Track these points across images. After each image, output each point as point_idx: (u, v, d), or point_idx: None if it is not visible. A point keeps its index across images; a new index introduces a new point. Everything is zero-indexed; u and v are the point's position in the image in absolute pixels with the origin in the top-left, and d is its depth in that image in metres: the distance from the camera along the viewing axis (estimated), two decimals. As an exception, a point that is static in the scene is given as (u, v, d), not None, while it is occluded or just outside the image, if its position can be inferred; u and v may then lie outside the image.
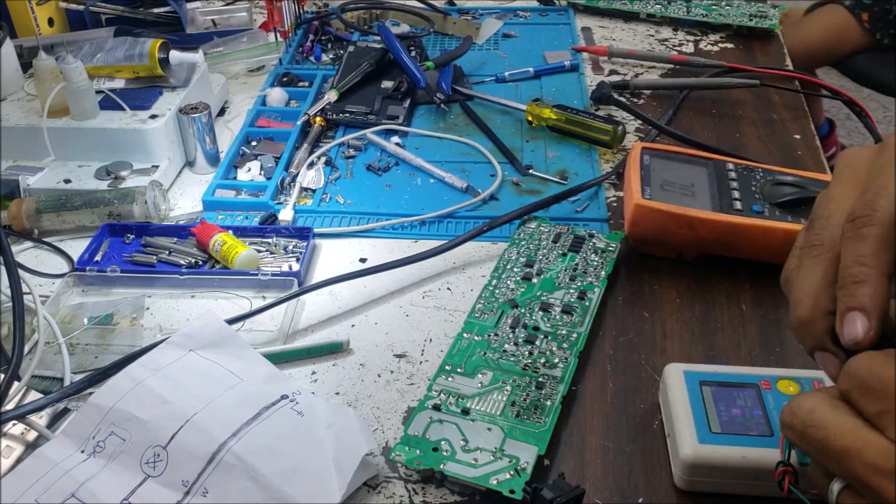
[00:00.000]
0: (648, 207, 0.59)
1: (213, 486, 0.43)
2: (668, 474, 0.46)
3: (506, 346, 0.53)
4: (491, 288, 0.58)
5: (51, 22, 0.94)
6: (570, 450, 0.48)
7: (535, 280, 0.59)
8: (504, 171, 0.74)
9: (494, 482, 0.44)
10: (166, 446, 0.44)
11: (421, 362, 0.55)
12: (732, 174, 0.64)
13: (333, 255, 0.65)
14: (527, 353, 0.53)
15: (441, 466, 0.45)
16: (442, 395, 0.50)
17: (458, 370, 0.52)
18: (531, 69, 0.91)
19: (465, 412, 0.49)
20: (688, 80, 0.87)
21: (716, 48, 0.98)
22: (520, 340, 0.54)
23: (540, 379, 0.51)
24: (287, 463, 0.44)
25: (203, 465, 0.43)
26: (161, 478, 0.44)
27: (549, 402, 0.49)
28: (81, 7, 0.95)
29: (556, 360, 0.52)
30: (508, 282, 0.59)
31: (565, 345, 0.53)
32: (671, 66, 0.93)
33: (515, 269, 0.60)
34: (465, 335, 0.55)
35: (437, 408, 0.49)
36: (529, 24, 1.05)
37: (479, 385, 0.51)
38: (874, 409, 0.32)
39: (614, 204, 0.70)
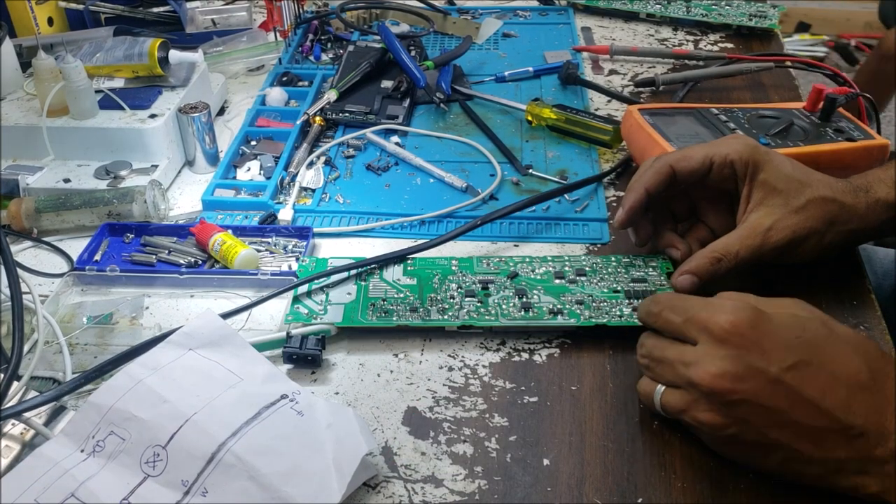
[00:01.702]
0: None
1: (212, 485, 0.43)
2: (667, 474, 0.47)
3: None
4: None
5: (50, 21, 0.94)
6: (570, 450, 0.48)
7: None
8: (504, 171, 0.74)
9: None
10: (166, 446, 0.44)
11: (420, 362, 0.55)
12: (723, 117, 0.72)
13: (333, 255, 0.65)
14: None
15: None
16: None
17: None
18: (531, 69, 0.91)
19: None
20: (710, 70, 0.88)
21: (715, 48, 0.98)
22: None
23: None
24: (287, 463, 0.44)
25: (203, 464, 0.43)
26: (161, 477, 0.44)
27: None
28: (81, 6, 0.95)
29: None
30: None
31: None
32: (673, 63, 0.93)
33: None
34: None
35: None
36: (529, 24, 1.05)
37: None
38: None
39: (614, 204, 0.70)
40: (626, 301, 0.57)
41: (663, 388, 0.47)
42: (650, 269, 0.60)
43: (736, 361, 0.42)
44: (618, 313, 0.56)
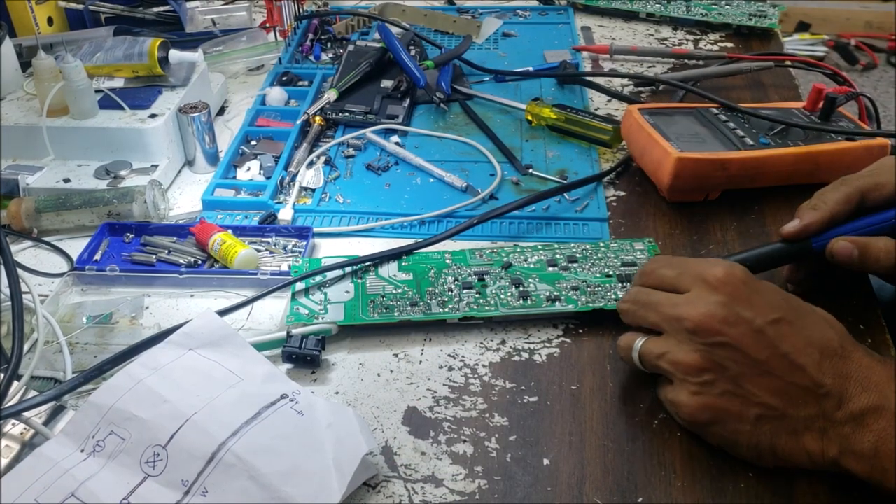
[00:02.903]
0: (689, 158, 0.65)
1: (212, 485, 0.43)
2: (667, 474, 0.47)
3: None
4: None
5: (50, 21, 0.94)
6: (570, 449, 0.48)
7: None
8: (504, 171, 0.74)
9: None
10: (166, 446, 0.44)
11: (420, 361, 0.55)
12: (723, 117, 0.72)
13: (331, 255, 0.65)
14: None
15: None
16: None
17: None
18: (531, 68, 0.91)
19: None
20: (710, 69, 0.88)
21: (715, 47, 0.98)
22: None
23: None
24: (287, 462, 0.44)
25: (203, 464, 0.43)
26: (161, 477, 0.44)
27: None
28: (81, 6, 0.95)
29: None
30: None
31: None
32: (673, 62, 0.93)
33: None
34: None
35: None
36: (529, 24, 1.05)
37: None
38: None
39: (614, 203, 0.70)
40: (619, 285, 0.58)
41: (645, 338, 0.48)
42: (638, 253, 0.62)
43: (726, 307, 0.44)
44: (613, 297, 0.57)
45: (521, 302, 0.57)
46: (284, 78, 0.91)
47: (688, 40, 1.00)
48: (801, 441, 0.44)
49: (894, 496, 0.42)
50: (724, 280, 0.45)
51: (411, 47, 0.90)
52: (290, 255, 0.64)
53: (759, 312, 0.44)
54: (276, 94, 0.86)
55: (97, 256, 0.65)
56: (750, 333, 0.44)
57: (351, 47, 0.91)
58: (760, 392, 0.44)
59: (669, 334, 0.47)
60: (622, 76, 0.90)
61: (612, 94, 0.86)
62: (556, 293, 0.58)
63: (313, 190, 0.72)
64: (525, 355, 0.55)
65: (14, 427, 0.49)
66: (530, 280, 0.59)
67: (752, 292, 0.45)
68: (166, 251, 0.65)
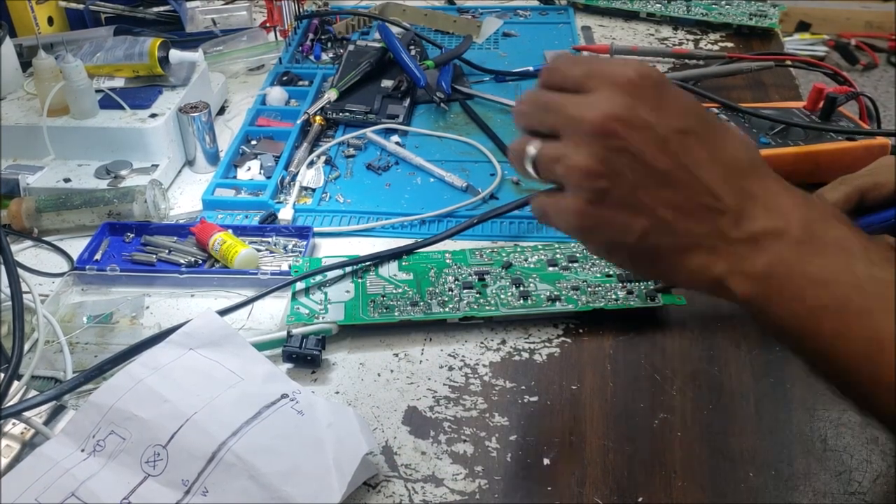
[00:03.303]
0: None
1: (213, 485, 0.43)
2: (667, 474, 0.47)
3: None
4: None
5: (50, 21, 0.94)
6: (570, 449, 0.48)
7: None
8: (504, 171, 0.74)
9: None
10: (166, 445, 0.44)
11: (421, 361, 0.55)
12: (723, 117, 0.73)
13: (331, 255, 0.65)
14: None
15: None
16: None
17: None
18: (531, 68, 0.91)
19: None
20: (710, 69, 0.88)
21: (716, 47, 0.98)
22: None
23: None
24: (287, 462, 0.44)
25: (203, 464, 0.43)
26: (161, 477, 0.44)
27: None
28: (81, 6, 0.95)
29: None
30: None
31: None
32: (673, 62, 0.93)
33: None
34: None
35: None
36: (529, 23, 1.05)
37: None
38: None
39: (614, 203, 0.70)
40: (620, 285, 0.58)
41: (540, 142, 0.42)
42: None
43: (631, 109, 0.40)
44: (613, 297, 0.57)
45: (521, 302, 0.57)
46: (285, 78, 0.91)
47: (688, 40, 1.00)
48: (684, 258, 0.41)
49: (771, 322, 0.39)
50: (634, 81, 0.40)
51: (412, 47, 0.90)
52: (291, 254, 0.64)
53: (667, 119, 0.40)
54: (277, 94, 0.86)
55: (97, 256, 0.65)
56: (653, 140, 0.40)
57: (351, 47, 0.91)
58: (654, 204, 0.40)
59: (567, 138, 0.42)
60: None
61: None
62: (556, 293, 0.58)
63: (313, 190, 0.72)
64: (525, 355, 0.55)
65: (14, 427, 0.49)
66: (531, 280, 0.59)
67: (664, 95, 0.41)
68: (167, 251, 0.65)
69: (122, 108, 0.75)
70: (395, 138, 0.80)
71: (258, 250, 0.64)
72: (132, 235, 0.67)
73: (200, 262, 0.64)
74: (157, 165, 0.74)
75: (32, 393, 0.52)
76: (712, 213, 0.40)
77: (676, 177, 0.40)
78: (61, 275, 0.62)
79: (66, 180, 0.72)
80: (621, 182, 0.40)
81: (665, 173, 0.40)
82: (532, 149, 0.43)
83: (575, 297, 0.57)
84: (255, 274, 0.61)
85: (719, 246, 0.40)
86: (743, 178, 0.40)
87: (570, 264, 0.60)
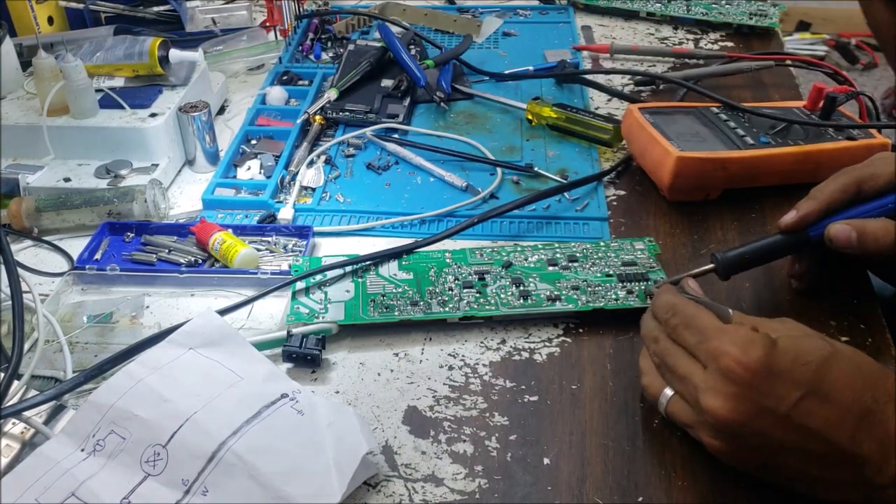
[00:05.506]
0: (689, 158, 0.65)
1: (213, 484, 0.43)
2: (667, 473, 0.47)
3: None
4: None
5: (50, 20, 0.94)
6: (570, 449, 0.48)
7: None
8: (504, 170, 0.74)
9: None
10: (166, 445, 0.44)
11: (421, 361, 0.55)
12: (723, 116, 0.72)
13: (330, 255, 0.65)
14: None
15: None
16: None
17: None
18: (531, 68, 0.91)
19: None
20: (710, 69, 0.88)
21: (716, 46, 0.98)
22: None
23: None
24: (287, 462, 0.44)
25: (203, 463, 0.43)
26: (161, 476, 0.44)
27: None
28: (81, 6, 0.95)
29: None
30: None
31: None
32: (673, 62, 0.93)
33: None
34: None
35: None
36: (529, 23, 1.05)
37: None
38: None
39: (614, 202, 0.70)
40: (620, 284, 0.58)
41: (671, 393, 0.47)
42: (638, 252, 0.61)
43: (745, 401, 0.42)
44: (613, 297, 0.57)
45: (521, 301, 0.57)
46: (285, 77, 0.91)
47: (688, 40, 1.00)
48: (832, 493, 0.43)
49: None
50: (738, 371, 0.42)
51: (412, 46, 0.90)
52: (291, 254, 0.64)
53: (783, 397, 0.41)
54: (277, 94, 0.86)
55: (97, 256, 0.65)
56: (775, 422, 0.41)
57: (351, 46, 0.91)
58: (794, 463, 0.42)
59: (695, 409, 0.45)
60: (622, 73, 0.90)
61: (613, 93, 0.86)
62: (556, 292, 0.58)
63: (313, 189, 0.72)
64: (525, 355, 0.55)
65: (14, 426, 0.49)
66: (531, 279, 0.59)
67: (771, 374, 0.42)
68: (167, 250, 0.65)
69: (121, 107, 0.75)
70: (395, 137, 0.79)
71: (258, 250, 0.64)
72: (132, 235, 0.67)
73: (200, 261, 0.64)
74: (156, 165, 0.74)
75: (32, 392, 0.52)
76: (854, 464, 0.41)
77: (808, 442, 0.42)
78: (61, 274, 0.62)
79: (66, 180, 0.72)
80: (754, 454, 0.44)
81: (797, 442, 0.42)
82: (664, 401, 0.47)
83: (575, 296, 0.57)
84: (255, 273, 0.61)
85: (871, 494, 0.42)
86: (872, 419, 0.41)
87: (570, 264, 0.60)
